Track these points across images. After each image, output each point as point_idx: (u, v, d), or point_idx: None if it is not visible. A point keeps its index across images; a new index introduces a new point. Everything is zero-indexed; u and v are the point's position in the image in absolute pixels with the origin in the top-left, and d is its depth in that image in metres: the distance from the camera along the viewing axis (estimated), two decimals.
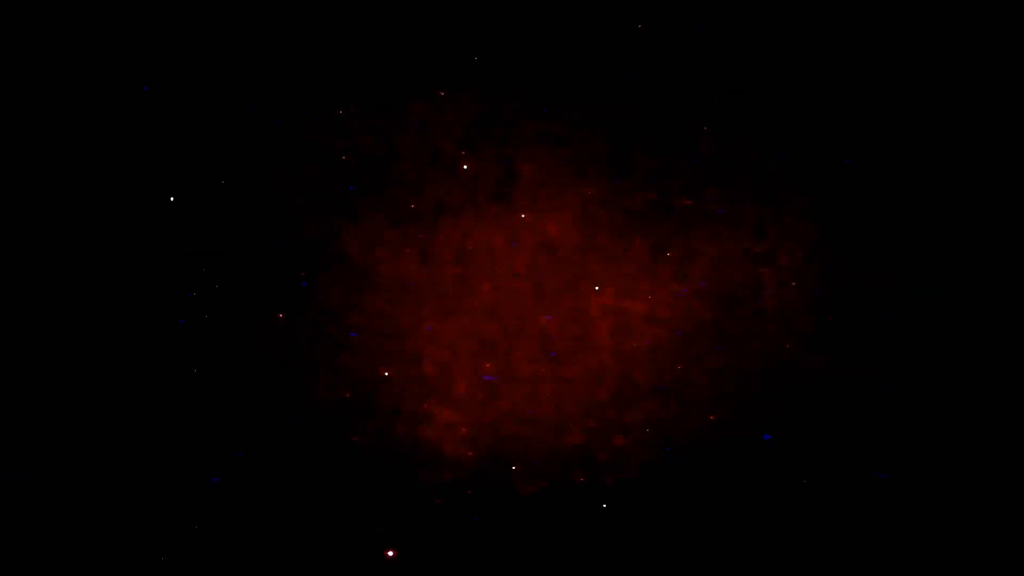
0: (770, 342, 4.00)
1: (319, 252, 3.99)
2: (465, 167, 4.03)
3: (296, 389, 3.95)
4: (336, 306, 3.99)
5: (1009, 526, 3.92)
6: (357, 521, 3.93)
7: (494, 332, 4.01)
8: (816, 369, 3.98)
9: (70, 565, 3.88)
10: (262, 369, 3.95)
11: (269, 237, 3.98)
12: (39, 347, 3.91)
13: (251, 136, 3.99)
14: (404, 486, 3.95)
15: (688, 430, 3.99)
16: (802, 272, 4.02)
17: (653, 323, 4.01)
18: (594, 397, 4.00)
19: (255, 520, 3.91)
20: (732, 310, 4.01)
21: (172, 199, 3.96)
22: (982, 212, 4.00)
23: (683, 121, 4.03)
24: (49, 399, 3.90)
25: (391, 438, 3.97)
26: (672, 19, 4.04)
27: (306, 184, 4.00)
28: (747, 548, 3.94)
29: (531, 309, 4.02)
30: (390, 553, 3.93)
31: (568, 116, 4.04)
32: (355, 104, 4.03)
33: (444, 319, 4.00)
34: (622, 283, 4.03)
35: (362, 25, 4.05)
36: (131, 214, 3.96)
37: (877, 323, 3.97)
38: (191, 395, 3.93)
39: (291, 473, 3.92)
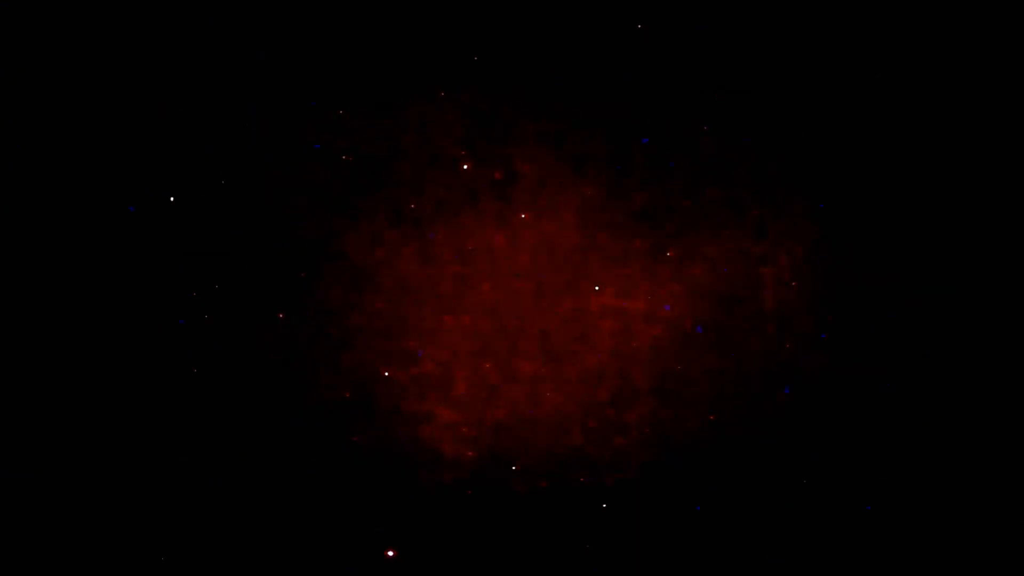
0: (770, 342, 4.00)
1: (319, 252, 3.99)
2: (465, 167, 4.03)
3: (296, 389, 3.95)
4: (336, 306, 3.99)
5: (1009, 526, 3.92)
6: (357, 521, 3.93)
7: (494, 332, 4.01)
8: (816, 369, 3.98)
9: (70, 565, 3.88)
10: (262, 369, 3.95)
11: (269, 237, 3.98)
12: (39, 347, 3.91)
13: (251, 136, 3.99)
14: (404, 486, 3.95)
15: (688, 430, 3.99)
16: (802, 272, 4.02)
17: (653, 323, 4.01)
18: (594, 397, 4.01)
19: (255, 520, 3.91)
20: (732, 310, 4.01)
21: (172, 199, 3.96)
22: (982, 212, 4.00)
23: (683, 121, 4.03)
24: (49, 399, 3.90)
25: (391, 438, 3.97)
26: (672, 19, 4.04)
27: (306, 184, 4.00)
28: (747, 548, 3.94)
29: (531, 309, 4.02)
30: (390, 553, 3.93)
31: (568, 116, 4.04)
32: (355, 104, 4.03)
33: (444, 319, 4.00)
34: (622, 283, 4.02)
35: (362, 25, 4.05)
36: (131, 214, 3.96)
37: (877, 323, 3.97)
38: (191, 395, 3.93)
39: (291, 473, 3.92)
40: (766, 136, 4.03)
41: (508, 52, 4.05)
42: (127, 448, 3.90)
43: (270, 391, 3.94)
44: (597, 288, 4.02)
